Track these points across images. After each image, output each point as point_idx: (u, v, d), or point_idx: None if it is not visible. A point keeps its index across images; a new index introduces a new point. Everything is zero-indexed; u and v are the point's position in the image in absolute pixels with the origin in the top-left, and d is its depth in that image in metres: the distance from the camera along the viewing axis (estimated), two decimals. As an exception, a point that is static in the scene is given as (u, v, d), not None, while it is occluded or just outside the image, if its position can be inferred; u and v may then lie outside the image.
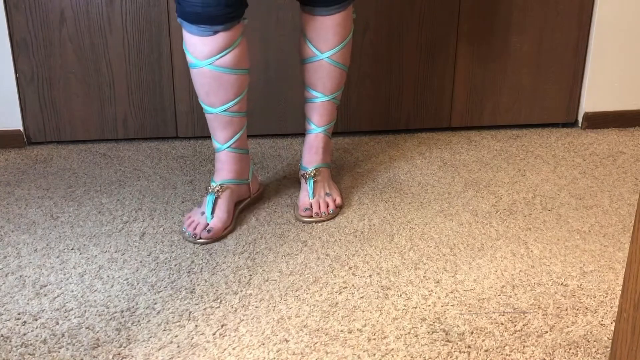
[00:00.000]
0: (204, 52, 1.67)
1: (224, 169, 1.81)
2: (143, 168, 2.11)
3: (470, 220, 1.85)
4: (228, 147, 1.79)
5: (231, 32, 1.67)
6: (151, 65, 2.20)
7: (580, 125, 2.42)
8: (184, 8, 1.65)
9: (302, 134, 2.26)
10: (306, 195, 1.86)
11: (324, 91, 1.84)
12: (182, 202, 1.93)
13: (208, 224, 1.75)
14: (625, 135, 2.36)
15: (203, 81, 1.71)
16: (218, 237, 1.75)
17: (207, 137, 2.30)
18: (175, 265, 1.66)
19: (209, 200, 1.77)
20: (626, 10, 2.30)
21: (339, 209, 1.89)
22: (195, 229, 1.75)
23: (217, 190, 1.78)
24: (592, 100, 2.39)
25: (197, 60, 1.68)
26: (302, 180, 1.89)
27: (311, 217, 1.84)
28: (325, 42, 1.79)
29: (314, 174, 1.87)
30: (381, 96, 2.31)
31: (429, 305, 1.53)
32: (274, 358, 1.38)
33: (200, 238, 1.74)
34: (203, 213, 1.77)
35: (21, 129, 2.22)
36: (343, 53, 1.82)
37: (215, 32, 1.65)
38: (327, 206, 1.86)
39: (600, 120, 2.41)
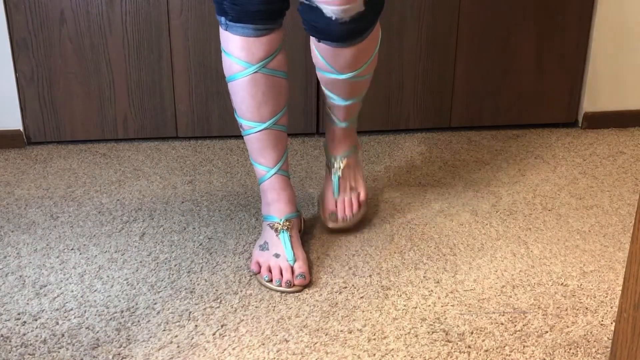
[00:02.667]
0: (260, 53, 1.53)
1: (281, 199, 1.63)
2: (143, 168, 2.11)
3: (470, 220, 1.85)
4: (279, 169, 1.62)
5: (282, 29, 1.57)
6: (151, 65, 2.20)
7: (580, 125, 2.42)
8: (245, 7, 1.49)
9: (301, 134, 2.26)
10: (331, 192, 1.76)
11: (346, 97, 1.67)
12: (182, 202, 1.93)
13: (292, 267, 1.58)
14: (625, 135, 2.36)
15: (256, 89, 1.56)
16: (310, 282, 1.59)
17: (207, 137, 2.30)
18: (175, 265, 1.66)
19: (284, 239, 1.60)
20: (626, 11, 2.30)
21: (364, 208, 1.80)
22: (283, 275, 1.57)
23: (288, 227, 1.61)
24: (592, 100, 2.39)
25: (250, 64, 1.54)
26: (327, 172, 1.79)
27: (336, 222, 1.75)
28: (347, 67, 1.58)
29: (340, 167, 1.76)
30: (381, 96, 2.31)
31: (429, 305, 1.53)
32: (274, 358, 1.38)
33: (292, 285, 1.56)
34: (278, 255, 1.59)
35: (21, 129, 2.22)
36: (368, 68, 1.62)
37: (271, 30, 1.53)
38: (352, 207, 1.76)
39: (600, 120, 2.41)
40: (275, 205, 1.63)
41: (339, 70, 1.58)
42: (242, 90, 1.57)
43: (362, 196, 1.79)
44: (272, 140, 1.61)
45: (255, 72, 1.55)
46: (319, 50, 1.57)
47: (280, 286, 1.56)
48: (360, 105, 1.74)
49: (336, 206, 1.76)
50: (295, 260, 1.58)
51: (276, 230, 1.62)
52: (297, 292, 1.56)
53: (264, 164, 1.63)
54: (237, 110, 1.61)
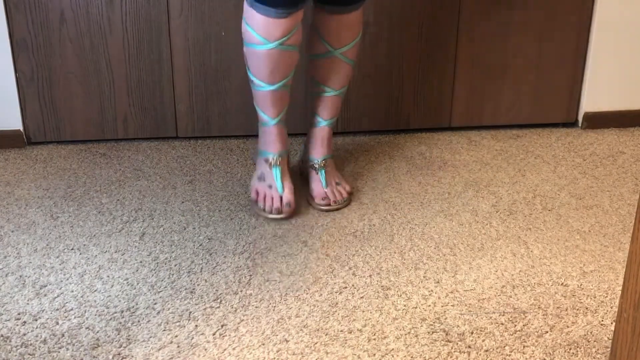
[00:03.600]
0: (277, 34, 1.71)
1: (277, 140, 1.87)
2: (143, 168, 2.11)
3: (470, 220, 1.85)
4: (279, 120, 1.86)
5: (301, 12, 1.73)
6: (151, 65, 2.20)
7: (580, 125, 2.42)
8: None
9: (301, 134, 2.26)
10: (320, 185, 1.91)
11: (334, 86, 1.90)
12: (182, 202, 1.93)
13: (281, 197, 1.83)
14: (625, 135, 2.36)
15: (270, 61, 1.75)
16: (295, 209, 1.85)
17: (207, 137, 2.30)
18: (175, 265, 1.66)
19: (275, 172, 1.85)
20: (626, 11, 2.30)
21: (350, 195, 1.95)
22: (273, 203, 1.83)
23: (279, 162, 1.85)
24: (592, 100, 2.39)
25: (268, 41, 1.72)
26: (313, 172, 1.93)
27: (329, 205, 1.89)
28: (339, 39, 1.84)
29: (324, 164, 1.93)
30: (381, 96, 2.31)
31: (429, 305, 1.53)
32: (274, 358, 1.38)
33: (281, 212, 1.82)
34: (271, 186, 1.85)
35: (21, 129, 2.22)
36: (354, 50, 1.88)
37: (291, 14, 1.70)
38: (341, 193, 1.92)
39: (600, 120, 2.41)
40: (271, 144, 1.87)
41: (334, 44, 1.84)
42: (257, 58, 1.76)
43: (348, 188, 1.96)
44: (277, 98, 1.82)
45: (272, 48, 1.73)
46: (318, 25, 1.84)
47: (272, 213, 1.82)
48: (341, 101, 1.96)
49: (326, 194, 1.91)
50: (283, 190, 1.84)
51: (270, 164, 1.86)
52: (285, 218, 1.83)
53: (267, 114, 1.85)
54: (250, 67, 1.80)
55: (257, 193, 1.87)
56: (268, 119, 1.85)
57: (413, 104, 2.33)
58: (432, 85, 2.32)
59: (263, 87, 1.80)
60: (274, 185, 1.85)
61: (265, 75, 1.78)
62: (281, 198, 1.83)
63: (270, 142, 1.87)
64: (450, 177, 2.07)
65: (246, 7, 1.73)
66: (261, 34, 1.72)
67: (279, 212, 1.83)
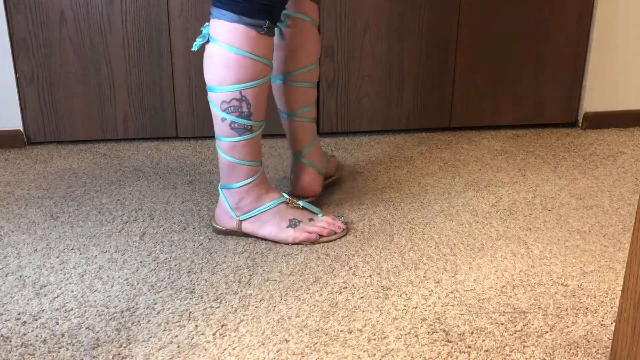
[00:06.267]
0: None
1: (269, 186, 1.77)
2: (143, 168, 2.11)
3: (470, 220, 1.85)
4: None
5: None
6: (151, 65, 2.20)
7: (580, 125, 2.42)
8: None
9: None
10: (314, 170, 1.91)
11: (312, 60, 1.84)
12: (182, 202, 1.93)
13: (326, 217, 1.77)
14: (625, 135, 2.36)
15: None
16: None
17: (207, 137, 2.30)
18: (175, 265, 1.66)
19: (304, 204, 1.78)
20: (626, 10, 2.30)
21: (342, 167, 2.07)
22: (335, 226, 1.76)
23: (289, 199, 1.78)
24: (592, 100, 2.39)
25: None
26: (295, 161, 1.90)
27: (327, 180, 1.98)
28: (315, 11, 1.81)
29: (309, 150, 1.90)
30: (381, 96, 2.31)
31: (429, 306, 1.53)
32: (274, 358, 1.38)
33: (345, 225, 1.79)
34: (312, 219, 1.75)
35: (21, 129, 2.22)
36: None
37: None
38: (337, 167, 2.02)
39: (600, 120, 2.41)
40: (271, 192, 1.74)
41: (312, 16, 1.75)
42: (264, 92, 1.64)
43: (338, 160, 2.02)
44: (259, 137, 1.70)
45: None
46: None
47: (337, 233, 1.75)
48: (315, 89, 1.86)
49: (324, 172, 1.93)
50: (322, 212, 1.79)
51: (292, 203, 1.75)
52: (346, 232, 1.78)
53: (258, 160, 1.70)
54: (253, 114, 1.64)
55: (310, 234, 1.73)
56: (259, 164, 1.71)
57: (413, 104, 2.33)
58: (432, 85, 2.32)
59: (261, 127, 1.68)
60: (312, 215, 1.77)
61: (263, 110, 1.68)
62: (330, 218, 1.77)
63: (269, 189, 1.75)
64: (450, 177, 2.07)
65: (255, 38, 1.58)
66: (270, 57, 1.65)
67: (343, 229, 1.77)
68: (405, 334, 1.44)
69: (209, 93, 1.64)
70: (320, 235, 1.74)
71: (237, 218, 1.73)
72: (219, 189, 1.74)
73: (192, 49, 1.65)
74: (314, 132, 1.87)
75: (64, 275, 1.62)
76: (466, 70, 2.31)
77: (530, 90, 2.36)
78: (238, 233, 1.75)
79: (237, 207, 1.72)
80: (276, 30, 1.67)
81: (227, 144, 1.65)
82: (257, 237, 1.75)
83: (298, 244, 1.72)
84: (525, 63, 2.33)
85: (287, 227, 1.73)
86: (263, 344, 1.41)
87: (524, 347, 1.41)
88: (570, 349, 1.41)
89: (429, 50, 2.28)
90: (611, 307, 1.53)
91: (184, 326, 1.46)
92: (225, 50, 1.57)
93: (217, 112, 1.64)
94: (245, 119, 1.63)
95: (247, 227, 1.73)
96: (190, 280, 1.61)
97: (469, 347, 1.41)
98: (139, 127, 2.26)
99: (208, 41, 1.60)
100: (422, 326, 1.46)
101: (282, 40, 1.74)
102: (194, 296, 1.55)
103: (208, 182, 2.03)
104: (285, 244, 1.73)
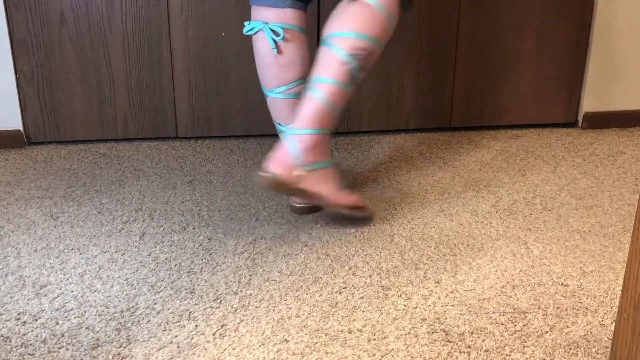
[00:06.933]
0: None
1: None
2: (143, 168, 2.11)
3: (470, 220, 1.85)
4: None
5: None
6: (151, 65, 2.20)
7: (580, 125, 2.42)
8: None
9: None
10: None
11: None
12: (182, 202, 1.93)
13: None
14: (625, 135, 2.36)
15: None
16: None
17: (207, 137, 2.30)
18: (175, 265, 1.66)
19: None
20: (626, 10, 2.30)
21: None
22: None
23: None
24: (592, 100, 2.39)
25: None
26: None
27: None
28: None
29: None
30: (381, 96, 2.31)
31: (429, 306, 1.53)
32: (274, 358, 1.38)
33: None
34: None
35: (21, 129, 2.22)
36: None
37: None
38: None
39: (600, 120, 2.41)
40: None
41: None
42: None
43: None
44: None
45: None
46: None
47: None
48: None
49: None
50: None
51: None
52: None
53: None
54: (363, 70, 1.73)
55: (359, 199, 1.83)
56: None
57: (413, 104, 2.33)
58: (432, 85, 2.32)
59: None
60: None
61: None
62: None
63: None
64: (450, 177, 2.07)
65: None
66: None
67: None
68: (405, 334, 1.44)
69: (337, 37, 1.69)
70: (360, 207, 1.81)
71: (303, 167, 1.72)
72: (287, 135, 1.73)
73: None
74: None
75: (64, 275, 1.62)
76: (466, 70, 2.31)
77: (530, 91, 2.36)
78: (289, 187, 1.71)
79: (305, 155, 1.71)
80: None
81: (335, 88, 1.70)
82: (310, 195, 1.73)
83: (350, 208, 1.79)
84: (526, 63, 2.33)
85: (348, 189, 1.83)
86: (263, 344, 1.41)
87: (523, 347, 1.41)
88: (570, 349, 1.41)
89: (429, 50, 2.28)
90: (611, 307, 1.53)
91: (184, 326, 1.46)
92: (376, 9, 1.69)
93: (340, 56, 1.69)
94: (359, 70, 1.70)
95: (306, 181, 1.72)
96: (190, 281, 1.61)
97: (469, 347, 1.41)
98: (138, 127, 2.26)
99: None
100: (422, 326, 1.46)
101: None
102: (194, 296, 1.55)
103: (208, 182, 2.03)
104: (338, 205, 1.77)
